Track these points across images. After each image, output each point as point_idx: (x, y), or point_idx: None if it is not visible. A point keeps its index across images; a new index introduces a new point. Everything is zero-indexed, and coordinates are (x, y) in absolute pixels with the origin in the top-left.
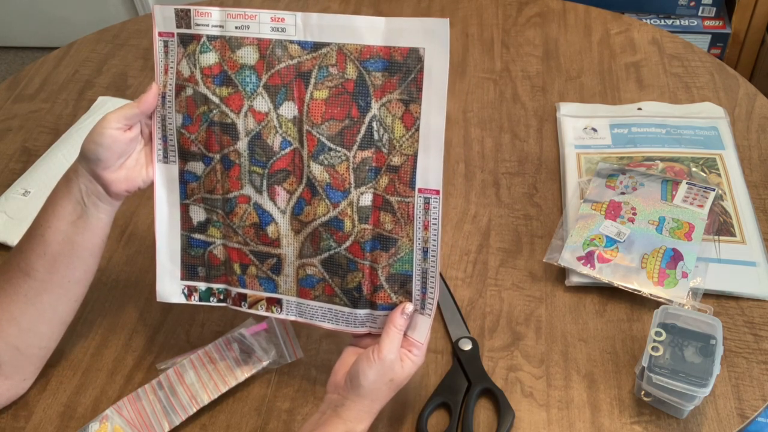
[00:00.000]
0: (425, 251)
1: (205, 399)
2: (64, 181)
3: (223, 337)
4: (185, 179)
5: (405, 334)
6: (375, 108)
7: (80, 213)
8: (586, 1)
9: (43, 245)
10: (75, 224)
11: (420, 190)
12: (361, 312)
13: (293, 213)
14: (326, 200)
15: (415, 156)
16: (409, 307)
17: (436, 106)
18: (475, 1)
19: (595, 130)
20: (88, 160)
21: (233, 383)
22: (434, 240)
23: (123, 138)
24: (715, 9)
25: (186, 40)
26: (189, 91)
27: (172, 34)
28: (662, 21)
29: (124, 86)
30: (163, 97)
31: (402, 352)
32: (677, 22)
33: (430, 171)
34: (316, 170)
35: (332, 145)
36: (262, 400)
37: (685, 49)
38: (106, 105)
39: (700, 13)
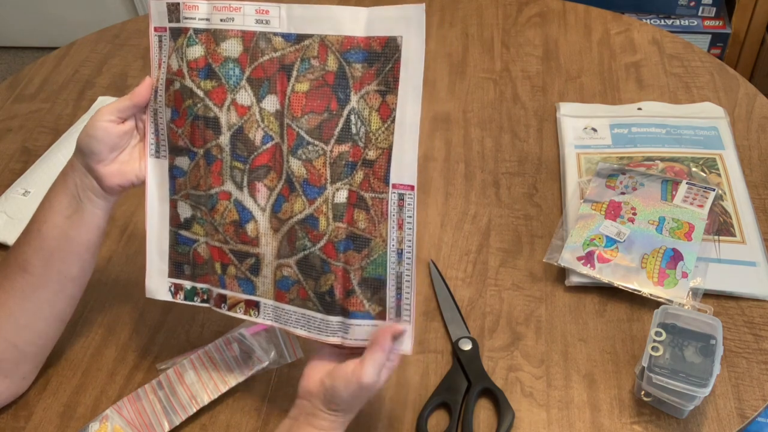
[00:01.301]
0: (399, 253)
1: (205, 399)
2: (61, 176)
3: (223, 337)
4: (174, 174)
5: None
6: (354, 100)
7: (76, 207)
8: (586, 1)
9: (40, 240)
10: (71, 219)
11: (394, 186)
12: (333, 320)
13: (273, 210)
14: (303, 196)
15: (389, 149)
16: (404, 329)
17: (412, 97)
18: (475, 1)
19: (595, 130)
20: (82, 153)
21: (233, 383)
22: (409, 240)
23: (115, 131)
24: (715, 9)
25: (175, 34)
26: (177, 85)
27: (165, 29)
28: (662, 21)
29: (124, 86)
30: (156, 92)
31: None
32: (677, 22)
33: (404, 165)
34: (295, 165)
35: (310, 139)
36: (262, 400)
37: (685, 49)
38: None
39: (700, 13)
